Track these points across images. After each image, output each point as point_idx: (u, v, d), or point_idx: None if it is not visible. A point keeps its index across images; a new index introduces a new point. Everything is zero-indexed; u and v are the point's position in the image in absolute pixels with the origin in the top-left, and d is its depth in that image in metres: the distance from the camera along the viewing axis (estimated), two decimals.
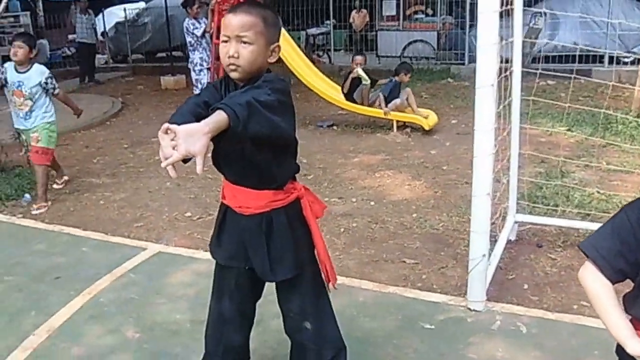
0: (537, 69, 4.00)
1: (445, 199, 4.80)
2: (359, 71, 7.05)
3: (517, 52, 3.49)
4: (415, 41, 12.66)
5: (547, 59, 9.86)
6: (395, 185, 5.24)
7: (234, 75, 1.95)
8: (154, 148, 7.10)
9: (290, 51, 7.97)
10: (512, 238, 3.92)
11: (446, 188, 5.01)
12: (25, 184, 5.56)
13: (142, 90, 12.19)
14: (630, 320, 1.44)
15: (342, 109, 7.43)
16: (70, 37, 14.21)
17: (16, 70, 4.92)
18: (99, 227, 4.52)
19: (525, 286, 3.36)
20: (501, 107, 3.38)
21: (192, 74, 8.45)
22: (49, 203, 5.08)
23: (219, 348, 2.34)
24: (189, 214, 4.81)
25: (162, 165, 1.58)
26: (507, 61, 3.53)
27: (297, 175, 2.16)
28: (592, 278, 1.45)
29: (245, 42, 1.89)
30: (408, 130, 7.19)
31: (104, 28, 15.11)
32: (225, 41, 1.91)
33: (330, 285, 2.23)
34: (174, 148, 1.56)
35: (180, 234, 4.37)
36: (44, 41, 13.70)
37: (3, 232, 4.49)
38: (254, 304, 2.35)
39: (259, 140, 1.85)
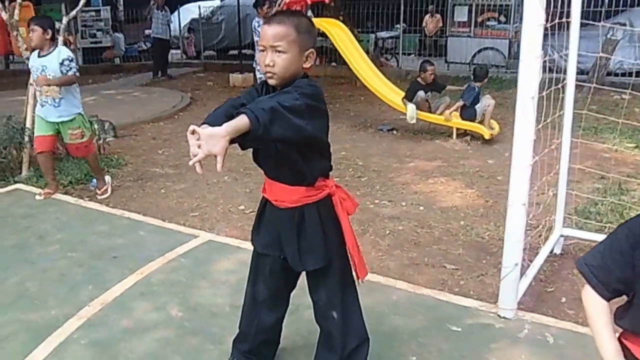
0: (603, 83, 3.95)
1: (495, 208, 4.80)
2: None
3: (571, 64, 3.48)
4: (485, 48, 12.51)
5: (625, 73, 9.49)
6: (447, 192, 5.27)
7: (271, 82, 2.13)
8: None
9: (354, 54, 8.14)
10: (558, 251, 3.90)
11: (498, 198, 5.00)
12: None
13: (211, 86, 12.70)
14: (620, 334, 1.49)
15: (404, 113, 7.49)
16: (147, 32, 14.96)
17: (38, 55, 4.82)
18: (157, 214, 4.84)
19: (563, 299, 3.35)
20: (550, 118, 3.38)
21: (257, 72, 8.74)
22: (108, 180, 5.41)
23: (252, 329, 2.55)
24: (242, 207, 5.05)
25: (190, 163, 1.78)
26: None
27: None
28: (588, 297, 1.50)
29: (279, 52, 2.06)
30: (468, 138, 7.17)
31: (179, 25, 15.80)
32: (263, 50, 2.09)
33: (360, 279, 2.37)
34: (199, 147, 1.75)
35: (232, 225, 4.61)
36: (120, 35, 14.47)
37: (71, 213, 4.89)
38: (287, 292, 2.52)
39: (284, 142, 2.02)
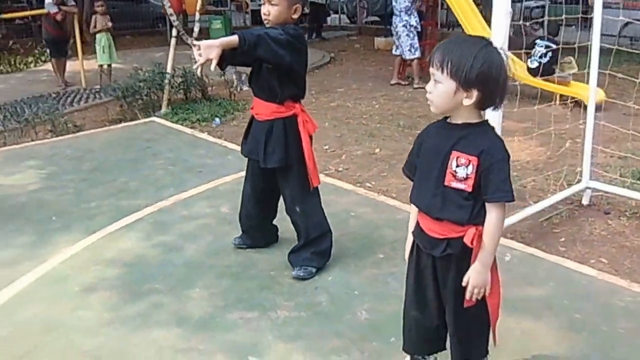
0: None
1: (555, 165, 4.94)
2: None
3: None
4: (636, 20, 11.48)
5: None
6: (518, 149, 5.47)
7: (267, 26, 2.91)
8: (334, 97, 8.27)
9: (472, 21, 8.25)
10: (585, 203, 4.06)
11: (562, 157, 5.11)
12: (221, 111, 7.19)
13: (357, 48, 13.51)
14: None
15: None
16: None
17: None
18: None
19: (562, 239, 3.60)
20: None
21: (405, 37, 8.71)
22: None
23: (243, 215, 3.39)
24: (327, 147, 5.80)
25: (193, 67, 2.64)
26: None
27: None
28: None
29: (272, 4, 2.85)
30: (570, 104, 7.03)
31: None
32: (263, 4, 2.88)
33: (312, 185, 3.05)
34: (200, 55, 2.60)
35: None
36: None
37: (184, 140, 6.09)
38: (269, 191, 3.26)
39: (266, 62, 2.77)
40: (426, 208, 1.95)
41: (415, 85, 8.68)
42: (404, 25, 8.69)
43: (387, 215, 3.98)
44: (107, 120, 7.30)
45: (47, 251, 3.64)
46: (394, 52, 9.01)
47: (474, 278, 1.89)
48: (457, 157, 1.84)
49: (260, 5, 3.04)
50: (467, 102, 1.80)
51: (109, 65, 9.26)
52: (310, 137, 3.09)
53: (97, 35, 8.96)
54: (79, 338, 2.73)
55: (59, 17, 8.74)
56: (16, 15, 12.12)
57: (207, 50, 2.59)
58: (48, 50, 9.66)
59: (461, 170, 1.84)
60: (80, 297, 3.08)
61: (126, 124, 6.97)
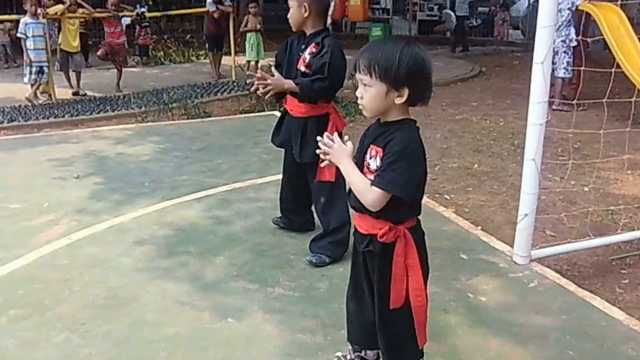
0: None
1: None
2: None
3: None
4: None
5: None
6: (630, 184, 5.08)
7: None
8: (463, 110, 8.21)
9: (617, 26, 7.58)
10: None
11: None
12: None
13: (514, 65, 13.05)
14: None
15: None
16: (480, 9, 15.98)
17: None
18: None
19: (625, 281, 3.38)
20: None
21: (563, 54, 8.21)
22: None
23: (281, 198, 3.81)
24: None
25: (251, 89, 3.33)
26: None
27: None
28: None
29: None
30: None
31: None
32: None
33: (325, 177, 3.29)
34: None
35: None
36: (450, 11, 15.76)
37: None
38: (302, 180, 3.56)
39: None
40: (353, 202, 2.09)
41: (555, 107, 8.25)
42: (562, 41, 8.27)
43: (435, 225, 4.03)
44: (238, 111, 8.10)
45: (127, 209, 4.33)
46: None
47: (333, 151, 2.04)
48: (371, 150, 2.00)
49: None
50: (398, 100, 1.93)
51: (256, 62, 10.19)
52: (340, 133, 3.32)
53: (248, 34, 9.92)
54: (111, 276, 3.30)
55: (216, 15, 9.86)
56: (183, 12, 13.73)
57: (275, 84, 3.18)
58: (207, 45, 10.89)
59: (372, 162, 1.98)
60: (129, 247, 3.68)
61: (248, 115, 7.69)
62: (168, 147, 6.08)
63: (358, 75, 1.95)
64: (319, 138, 2.07)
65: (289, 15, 3.30)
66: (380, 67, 1.89)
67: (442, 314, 2.88)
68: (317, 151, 2.07)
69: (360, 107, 1.99)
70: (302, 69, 3.31)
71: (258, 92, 3.27)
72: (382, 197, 1.91)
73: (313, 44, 3.28)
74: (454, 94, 9.35)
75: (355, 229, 2.14)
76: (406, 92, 1.91)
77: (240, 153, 5.83)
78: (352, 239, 2.26)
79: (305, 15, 3.24)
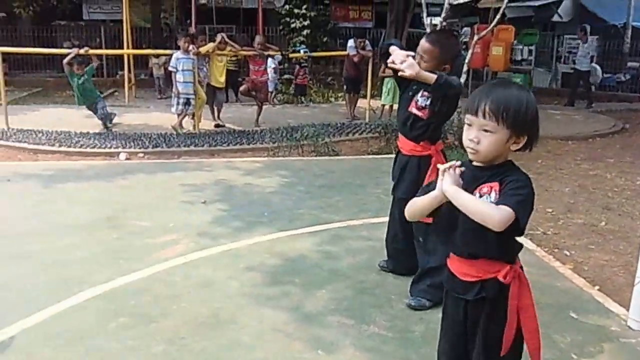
0: None
1: None
2: None
3: None
4: None
5: None
6: None
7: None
8: (598, 166, 7.66)
9: None
10: None
11: None
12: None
13: None
14: None
15: None
16: (630, 64, 15.00)
17: None
18: None
19: None
20: None
21: None
22: None
23: (388, 238, 3.81)
24: (550, 210, 5.58)
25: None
26: None
27: None
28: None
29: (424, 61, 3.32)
30: None
31: None
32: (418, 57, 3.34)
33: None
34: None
35: None
36: (597, 65, 14.77)
37: None
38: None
39: (440, 103, 3.32)
40: (457, 248, 2.00)
41: None
42: None
43: (548, 280, 3.81)
44: (366, 152, 8.22)
45: (243, 235, 4.55)
46: None
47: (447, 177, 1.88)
48: (480, 189, 1.89)
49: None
50: (515, 147, 1.87)
51: (391, 106, 10.31)
52: None
53: (385, 79, 10.09)
54: (216, 297, 3.48)
55: (356, 59, 10.17)
56: (328, 55, 14.24)
57: (409, 68, 3.12)
58: (345, 87, 11.23)
59: (487, 198, 1.86)
60: (239, 272, 3.85)
61: (376, 156, 7.77)
62: (293, 182, 6.30)
63: (478, 120, 1.85)
64: (439, 165, 1.91)
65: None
66: (510, 114, 1.82)
67: None
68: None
69: (470, 151, 1.88)
70: (414, 110, 3.39)
71: (389, 61, 3.21)
72: (510, 217, 1.76)
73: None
74: (591, 149, 8.81)
75: (455, 278, 2.03)
76: (525, 139, 1.86)
77: (360, 192, 5.89)
78: None
79: (426, 65, 3.28)
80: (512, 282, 1.90)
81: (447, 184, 1.86)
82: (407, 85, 3.48)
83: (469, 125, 1.88)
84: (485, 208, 1.79)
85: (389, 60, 3.18)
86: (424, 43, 3.32)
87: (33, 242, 4.33)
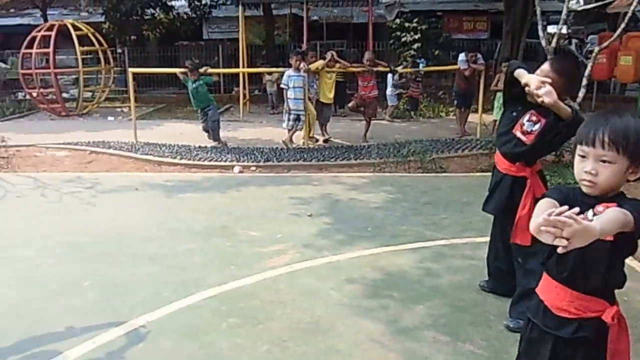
0: None
1: None
2: None
3: None
4: None
5: None
6: None
7: None
8: None
9: None
10: None
11: None
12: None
13: None
14: None
15: None
16: None
17: None
18: None
19: None
20: None
21: None
22: None
23: (489, 257, 3.89)
24: None
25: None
26: None
27: None
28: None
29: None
30: None
31: None
32: None
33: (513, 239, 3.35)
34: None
35: None
36: None
37: None
38: (505, 238, 3.61)
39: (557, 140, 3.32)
40: (561, 276, 1.92)
41: None
42: None
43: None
44: (475, 169, 8.20)
45: (346, 249, 4.80)
46: None
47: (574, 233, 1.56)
48: (595, 208, 1.82)
49: None
50: (632, 177, 1.83)
51: None
52: (537, 198, 3.31)
53: (498, 93, 9.99)
54: (318, 305, 3.75)
55: (467, 73, 10.17)
56: (439, 69, 14.20)
57: (547, 95, 2.89)
58: (455, 102, 11.22)
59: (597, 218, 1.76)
60: (340, 283, 4.10)
61: (485, 173, 7.72)
62: (397, 198, 6.48)
63: (595, 151, 1.80)
64: (544, 215, 1.58)
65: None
66: (631, 143, 1.77)
67: None
68: (543, 228, 1.59)
69: (585, 184, 1.83)
70: (518, 134, 3.40)
71: (522, 82, 3.05)
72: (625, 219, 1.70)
73: (533, 111, 3.36)
74: None
75: (547, 311, 1.98)
76: None
77: (466, 210, 5.95)
78: None
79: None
80: (613, 324, 1.86)
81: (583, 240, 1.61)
82: (513, 104, 3.51)
83: (583, 157, 1.82)
84: (616, 212, 1.71)
85: (522, 82, 3.06)
86: (548, 71, 3.15)
87: (159, 246, 4.86)
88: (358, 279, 4.17)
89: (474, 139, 10.24)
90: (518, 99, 3.41)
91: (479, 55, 10.52)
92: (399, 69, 12.58)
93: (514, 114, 3.47)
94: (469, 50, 10.59)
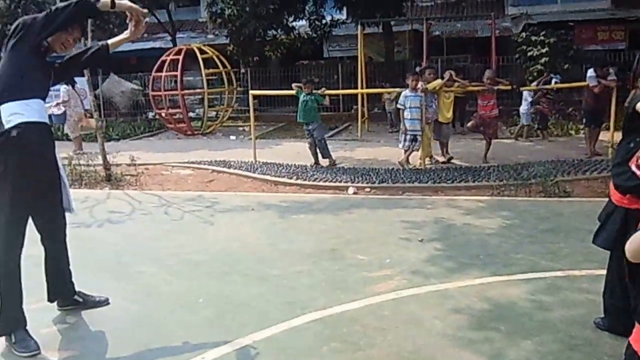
0: None
1: None
2: None
3: None
4: None
5: None
6: None
7: None
8: None
9: None
10: None
11: None
12: None
13: None
14: None
15: None
16: None
17: None
18: None
19: None
20: None
21: None
22: None
23: (605, 293, 3.81)
24: None
25: None
26: None
27: None
28: None
29: None
30: None
31: None
32: None
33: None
34: None
35: None
36: None
37: None
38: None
39: None
40: None
41: None
42: None
43: None
44: (604, 194, 7.75)
45: (455, 277, 4.81)
46: None
47: None
48: None
49: None
50: None
51: None
52: None
53: None
54: (420, 334, 3.80)
55: (596, 90, 9.68)
56: (564, 86, 13.44)
57: None
58: (584, 119, 10.70)
59: None
60: (445, 312, 4.13)
61: None
62: (514, 224, 6.34)
63: None
64: None
65: None
66: None
67: None
68: None
69: None
70: (634, 168, 3.27)
71: None
72: None
73: None
74: None
75: None
76: None
77: (588, 239, 5.58)
78: None
79: None
80: None
81: None
82: (632, 134, 3.41)
83: None
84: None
85: None
86: None
87: (270, 266, 5.14)
88: (464, 308, 4.16)
89: (605, 159, 9.72)
90: (638, 130, 3.31)
91: (611, 70, 9.99)
92: (533, 85, 12.23)
93: (632, 145, 3.36)
94: (599, 64, 10.10)
